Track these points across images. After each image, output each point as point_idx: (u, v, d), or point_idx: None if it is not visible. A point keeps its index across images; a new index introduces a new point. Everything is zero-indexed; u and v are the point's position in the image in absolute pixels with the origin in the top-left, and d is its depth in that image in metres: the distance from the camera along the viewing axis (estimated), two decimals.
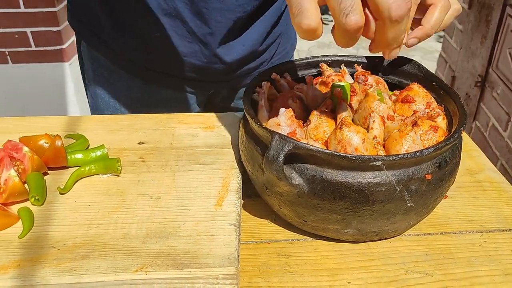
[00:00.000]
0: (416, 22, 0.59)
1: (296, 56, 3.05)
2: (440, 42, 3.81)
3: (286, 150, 0.46)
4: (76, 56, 2.18)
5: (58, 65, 2.08)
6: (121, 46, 0.84)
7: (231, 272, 0.46)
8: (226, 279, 0.46)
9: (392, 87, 0.66)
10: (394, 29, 0.42)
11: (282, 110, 0.54)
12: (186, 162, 0.61)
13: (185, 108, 0.92)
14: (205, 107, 0.98)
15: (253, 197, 0.61)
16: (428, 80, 0.63)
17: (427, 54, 3.65)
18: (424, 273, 0.51)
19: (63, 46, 2.05)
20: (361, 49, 3.68)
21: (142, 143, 0.65)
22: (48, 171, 0.58)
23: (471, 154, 0.73)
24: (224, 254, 0.47)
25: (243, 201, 0.60)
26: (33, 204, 0.53)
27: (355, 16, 0.40)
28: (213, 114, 0.73)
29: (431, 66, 3.36)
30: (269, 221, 0.58)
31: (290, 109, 0.55)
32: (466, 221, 0.59)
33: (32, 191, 0.53)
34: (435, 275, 0.51)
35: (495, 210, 0.61)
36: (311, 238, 0.56)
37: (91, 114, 0.94)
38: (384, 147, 0.53)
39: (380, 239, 0.55)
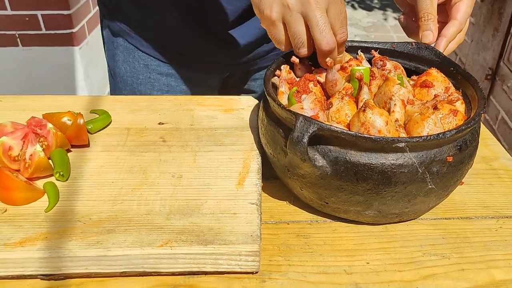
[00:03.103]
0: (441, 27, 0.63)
1: None
2: None
3: (311, 132, 0.47)
4: (86, 40, 2.19)
5: (68, 49, 2.08)
6: (139, 26, 0.86)
7: (254, 249, 0.47)
8: (249, 256, 0.47)
9: (409, 72, 0.66)
10: (328, 56, 0.58)
11: (304, 95, 0.55)
12: (207, 143, 0.62)
13: (201, 89, 0.93)
14: (220, 89, 0.99)
15: (272, 179, 0.62)
16: (445, 66, 0.63)
17: None
18: (441, 255, 0.52)
19: (73, 30, 2.05)
20: (374, 33, 3.67)
21: (162, 123, 0.66)
22: (71, 149, 0.59)
23: (487, 143, 0.73)
24: (246, 232, 0.48)
25: (262, 184, 0.61)
26: (57, 180, 0.54)
27: (303, 49, 0.58)
28: (231, 97, 0.73)
29: None
30: (288, 202, 0.59)
31: (313, 92, 0.55)
32: (482, 207, 0.60)
33: (57, 167, 0.53)
34: (452, 257, 0.52)
35: (510, 197, 0.62)
36: (330, 220, 0.57)
37: (110, 93, 0.98)
38: (405, 130, 0.54)
39: (399, 221, 0.56)
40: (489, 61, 1.87)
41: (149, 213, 0.50)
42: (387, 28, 3.96)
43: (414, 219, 0.57)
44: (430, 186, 0.50)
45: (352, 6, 4.37)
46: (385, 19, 4.13)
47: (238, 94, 1.02)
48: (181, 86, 0.92)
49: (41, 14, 1.98)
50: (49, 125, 0.55)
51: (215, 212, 0.51)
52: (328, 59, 0.58)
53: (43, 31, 2.02)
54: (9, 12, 1.96)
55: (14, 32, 2.02)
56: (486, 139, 0.74)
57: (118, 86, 0.95)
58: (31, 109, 0.67)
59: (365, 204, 0.52)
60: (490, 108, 1.89)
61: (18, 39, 2.04)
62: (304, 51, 0.58)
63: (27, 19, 1.98)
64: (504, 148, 0.73)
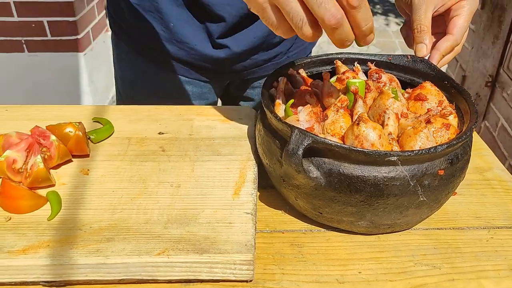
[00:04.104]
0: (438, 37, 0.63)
1: None
2: None
3: (306, 144, 0.48)
4: (91, 46, 2.22)
5: (73, 55, 2.11)
6: (139, 34, 0.89)
7: (248, 258, 0.48)
8: (243, 265, 0.48)
9: (404, 85, 0.68)
10: (336, 34, 0.48)
11: (300, 107, 0.56)
12: (205, 152, 0.64)
13: (202, 97, 0.96)
14: (221, 96, 1.03)
15: (268, 189, 0.64)
16: (439, 79, 0.65)
17: None
18: (432, 265, 0.53)
19: (78, 36, 2.08)
20: (372, 46, 3.68)
21: (162, 133, 0.67)
22: (72, 159, 0.61)
23: (481, 153, 0.74)
24: (241, 241, 0.50)
25: (258, 193, 0.62)
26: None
27: (306, 29, 0.48)
28: (230, 107, 0.75)
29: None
30: (283, 211, 0.61)
31: (309, 105, 0.57)
32: (474, 217, 0.61)
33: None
34: (442, 268, 0.53)
35: (503, 208, 0.63)
36: (324, 229, 0.58)
37: (116, 97, 1.02)
38: (398, 143, 0.55)
39: (391, 232, 0.57)
40: (489, 68, 1.88)
41: (147, 222, 0.52)
42: (389, 33, 3.97)
43: (406, 229, 0.58)
44: (421, 199, 0.52)
45: None
46: (387, 25, 4.15)
47: (238, 101, 1.04)
48: (183, 93, 0.95)
49: (47, 21, 2.01)
50: (52, 137, 0.57)
51: (211, 222, 0.52)
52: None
53: (49, 37, 2.05)
54: (15, 18, 1.99)
55: (20, 38, 2.05)
56: (481, 150, 0.75)
57: (123, 90, 0.97)
58: (35, 118, 0.69)
59: (358, 215, 0.53)
60: (490, 115, 1.90)
61: (24, 45, 2.07)
62: (308, 31, 0.47)
63: (33, 25, 2.02)
64: (504, 155, 0.74)
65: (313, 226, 0.59)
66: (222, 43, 0.87)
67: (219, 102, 1.08)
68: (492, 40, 1.87)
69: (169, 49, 0.89)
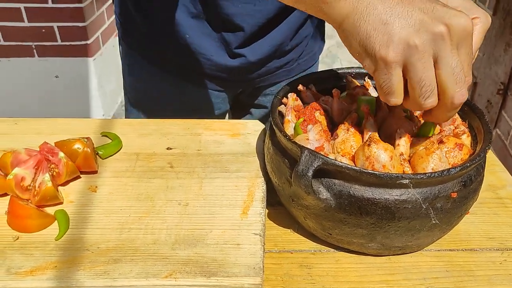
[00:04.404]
0: None
1: None
2: None
3: (315, 166, 0.48)
4: (100, 51, 2.23)
5: (82, 60, 2.12)
6: (153, 45, 0.89)
7: (256, 282, 0.47)
8: None
9: None
10: (452, 112, 0.48)
11: (310, 126, 0.56)
12: (213, 169, 0.63)
13: (213, 106, 0.95)
14: (232, 104, 1.02)
15: (277, 206, 0.63)
16: None
17: None
18: None
19: (88, 42, 2.09)
20: None
21: (171, 148, 0.67)
22: (81, 175, 0.60)
23: (494, 170, 0.73)
24: (249, 264, 0.49)
25: (267, 210, 0.62)
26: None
27: (431, 100, 0.46)
28: (238, 121, 0.74)
29: None
30: (292, 230, 0.60)
31: (319, 124, 0.56)
32: (486, 238, 0.60)
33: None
34: None
35: None
36: (333, 250, 0.57)
37: (125, 108, 1.01)
38: (410, 163, 0.54)
39: (402, 254, 0.56)
40: (501, 75, 1.86)
41: (155, 243, 0.51)
42: None
43: (417, 251, 0.57)
44: (434, 222, 0.51)
45: None
46: None
47: (249, 108, 1.04)
48: (197, 103, 0.95)
49: (57, 26, 2.02)
50: (61, 154, 0.57)
51: (219, 243, 0.51)
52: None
53: (59, 42, 2.06)
54: (26, 24, 2.01)
55: (30, 43, 2.07)
56: (493, 166, 0.74)
57: (132, 101, 0.97)
58: (45, 132, 0.69)
59: (369, 237, 0.52)
60: (501, 123, 1.87)
61: (35, 50, 2.09)
62: (432, 102, 0.46)
63: (44, 30, 2.03)
64: None
65: (323, 246, 0.58)
66: (239, 52, 0.87)
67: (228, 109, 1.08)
68: (504, 47, 1.85)
69: (184, 60, 0.88)
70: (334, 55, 3.33)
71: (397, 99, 0.47)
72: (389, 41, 0.43)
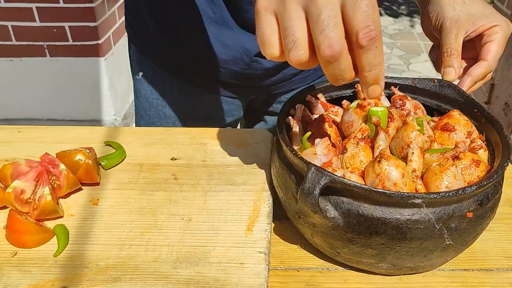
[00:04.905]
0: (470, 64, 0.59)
1: None
2: None
3: (322, 184, 0.45)
4: (111, 51, 2.22)
5: (94, 59, 2.12)
6: (166, 50, 0.87)
7: None
8: None
9: (429, 110, 0.64)
10: (329, 68, 0.41)
11: (317, 140, 0.53)
12: (218, 181, 0.61)
13: (226, 112, 0.93)
14: (245, 111, 1.00)
15: (283, 220, 0.61)
16: (469, 107, 0.61)
17: None
18: None
19: (99, 42, 2.09)
20: (396, 49, 3.60)
21: (175, 159, 0.65)
22: (82, 187, 0.59)
23: (511, 182, 0.70)
24: (253, 285, 0.47)
25: (273, 224, 0.60)
26: None
27: (295, 52, 0.40)
28: (245, 130, 0.72)
29: None
30: (299, 246, 0.58)
31: (327, 138, 0.53)
32: (504, 257, 0.57)
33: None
34: None
35: None
36: (342, 268, 0.55)
37: (135, 113, 0.99)
38: (422, 180, 0.51)
39: (414, 273, 0.54)
40: None
41: (155, 260, 0.50)
42: (414, 35, 3.88)
43: (430, 270, 0.55)
44: (447, 242, 0.48)
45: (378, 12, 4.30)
46: (412, 26, 4.05)
47: (263, 115, 1.02)
48: (207, 109, 0.93)
49: (69, 26, 2.02)
50: (62, 166, 0.56)
51: (222, 261, 0.50)
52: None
53: (70, 42, 2.07)
54: (38, 24, 2.02)
55: (42, 43, 2.07)
56: (511, 178, 0.71)
57: (143, 106, 0.95)
58: (48, 141, 0.68)
59: (379, 257, 0.50)
60: None
61: (46, 50, 2.09)
62: (297, 55, 0.41)
63: (55, 30, 2.03)
64: None
65: (330, 264, 0.55)
66: (257, 60, 0.84)
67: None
68: None
69: (198, 67, 0.86)
70: None
71: (269, 50, 0.42)
72: None
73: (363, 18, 0.38)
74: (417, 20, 4.15)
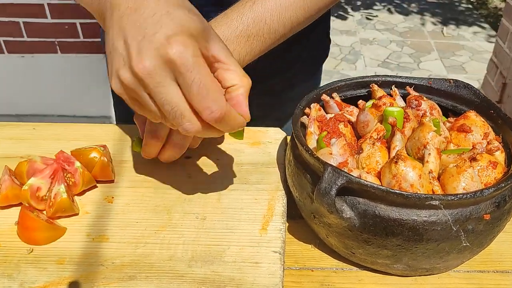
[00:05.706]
0: None
1: (337, 51, 3.00)
2: (490, 42, 3.65)
3: (339, 184, 0.45)
4: None
5: (104, 56, 2.13)
6: None
7: None
8: None
9: (445, 111, 0.63)
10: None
11: (333, 140, 0.53)
12: (232, 180, 0.61)
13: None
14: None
15: (297, 219, 0.60)
16: (485, 108, 0.60)
17: (475, 54, 3.50)
18: None
19: None
20: (406, 47, 3.57)
21: (189, 157, 0.65)
22: (97, 185, 0.59)
23: None
24: (268, 285, 0.47)
25: (287, 224, 0.60)
26: None
27: (187, 124, 0.43)
28: (259, 128, 0.72)
29: (479, 67, 3.22)
30: (313, 246, 0.58)
31: (343, 138, 0.53)
32: None
33: None
34: None
35: None
36: (356, 268, 0.55)
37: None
38: (439, 181, 0.51)
39: (429, 275, 0.53)
40: None
41: (171, 259, 0.50)
42: (424, 34, 3.85)
43: (445, 271, 0.54)
44: (464, 244, 0.48)
45: (388, 10, 4.27)
46: (423, 24, 4.01)
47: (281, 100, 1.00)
48: None
49: (80, 23, 2.03)
50: (77, 164, 0.56)
51: (237, 261, 0.50)
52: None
53: (81, 39, 2.08)
54: (49, 20, 2.03)
55: (53, 40, 2.08)
56: None
57: None
58: (63, 138, 0.68)
59: (394, 258, 0.49)
60: None
61: (57, 46, 2.10)
62: (189, 126, 0.43)
63: (66, 27, 2.04)
64: None
65: (345, 264, 0.55)
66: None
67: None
68: None
69: None
70: (357, 52, 3.27)
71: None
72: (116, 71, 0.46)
73: (200, 100, 0.40)
74: (427, 18, 4.12)
